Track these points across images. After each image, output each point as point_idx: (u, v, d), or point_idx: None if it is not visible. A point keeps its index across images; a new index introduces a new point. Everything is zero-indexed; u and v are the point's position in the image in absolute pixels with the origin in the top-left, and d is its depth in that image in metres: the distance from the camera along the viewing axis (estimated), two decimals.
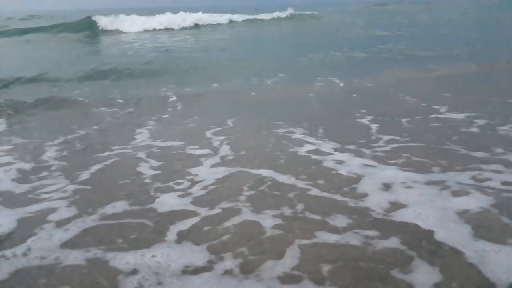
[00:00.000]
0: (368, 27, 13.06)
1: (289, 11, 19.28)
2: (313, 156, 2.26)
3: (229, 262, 1.21)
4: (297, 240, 1.34)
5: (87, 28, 13.27)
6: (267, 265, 1.19)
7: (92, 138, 2.88)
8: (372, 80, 4.84)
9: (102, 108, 3.77)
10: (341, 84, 4.66)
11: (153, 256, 1.23)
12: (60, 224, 1.55)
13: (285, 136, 2.71)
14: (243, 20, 17.12)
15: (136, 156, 2.42)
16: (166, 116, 3.46)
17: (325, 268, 1.16)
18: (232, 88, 4.77)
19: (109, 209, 1.69)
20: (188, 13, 15.44)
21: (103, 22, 13.76)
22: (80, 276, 1.17)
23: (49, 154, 2.49)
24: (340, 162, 2.13)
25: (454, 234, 1.33)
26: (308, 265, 1.19)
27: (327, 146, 2.45)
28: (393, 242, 1.31)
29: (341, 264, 1.19)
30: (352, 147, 2.42)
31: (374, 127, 2.89)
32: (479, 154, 2.19)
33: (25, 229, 1.53)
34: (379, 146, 2.44)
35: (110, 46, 10.27)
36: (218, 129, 2.94)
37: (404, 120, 3.05)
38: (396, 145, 2.44)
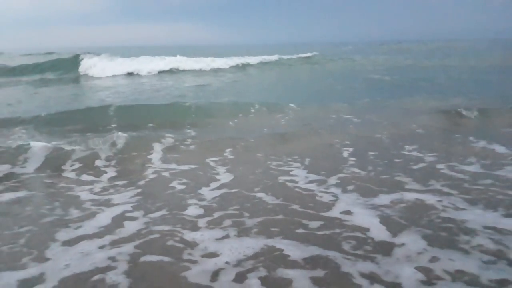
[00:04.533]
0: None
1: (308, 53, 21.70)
2: (292, 183, 3.42)
3: (234, 232, 2.38)
4: (278, 230, 2.47)
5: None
6: (258, 228, 2.35)
7: (130, 163, 4.09)
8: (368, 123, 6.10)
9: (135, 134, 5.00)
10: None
11: (201, 234, 2.39)
12: (136, 217, 2.70)
13: (277, 168, 3.89)
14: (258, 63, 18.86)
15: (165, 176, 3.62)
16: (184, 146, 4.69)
17: (300, 231, 2.28)
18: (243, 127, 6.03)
19: (159, 212, 2.83)
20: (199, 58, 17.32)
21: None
22: (166, 241, 2.31)
23: (108, 175, 3.68)
24: (313, 188, 3.27)
25: (378, 229, 2.45)
26: (285, 234, 2.31)
27: (306, 174, 3.61)
28: (342, 231, 2.43)
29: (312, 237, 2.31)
30: (325, 174, 3.57)
31: (352, 160, 4.07)
32: (414, 186, 3.30)
33: (117, 222, 2.68)
34: (347, 175, 3.58)
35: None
36: (220, 159, 4.14)
37: (372, 153, 4.24)
38: (358, 175, 3.59)
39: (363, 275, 1.95)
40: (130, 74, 14.70)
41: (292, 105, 7.02)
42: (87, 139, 4.76)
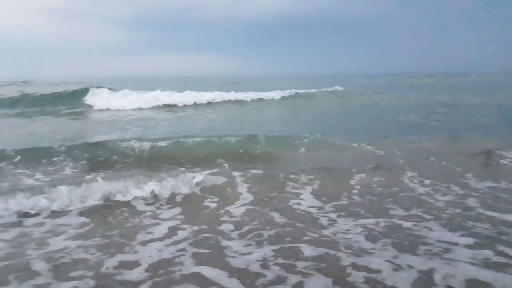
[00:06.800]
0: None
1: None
2: (298, 206, 4.55)
3: (258, 240, 3.50)
4: (284, 238, 3.58)
5: None
6: (275, 237, 3.48)
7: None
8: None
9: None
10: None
11: (234, 241, 3.54)
12: (185, 228, 3.85)
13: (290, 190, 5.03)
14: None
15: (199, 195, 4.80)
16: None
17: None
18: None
19: (201, 226, 3.98)
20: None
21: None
22: (211, 243, 3.46)
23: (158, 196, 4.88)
24: (313, 211, 4.40)
25: (362, 240, 3.55)
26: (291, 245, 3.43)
27: (311, 199, 4.73)
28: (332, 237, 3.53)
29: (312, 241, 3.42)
30: (327, 200, 4.68)
31: (357, 187, 5.18)
32: (397, 212, 4.39)
33: (172, 230, 3.83)
34: (344, 202, 4.69)
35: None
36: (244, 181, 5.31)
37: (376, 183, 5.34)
38: (354, 201, 4.69)
39: (353, 264, 3.08)
40: (153, 107, 16.22)
41: (318, 136, 8.27)
42: (129, 168, 6.01)
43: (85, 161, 6.50)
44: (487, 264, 3.05)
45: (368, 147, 7.64)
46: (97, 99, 16.50)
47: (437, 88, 30.39)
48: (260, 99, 18.98)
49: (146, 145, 7.27)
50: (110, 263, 3.05)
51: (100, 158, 6.77)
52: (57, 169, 6.11)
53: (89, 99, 16.62)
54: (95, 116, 14.17)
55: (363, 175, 5.69)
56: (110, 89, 18.21)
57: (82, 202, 4.28)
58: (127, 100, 16.44)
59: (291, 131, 8.77)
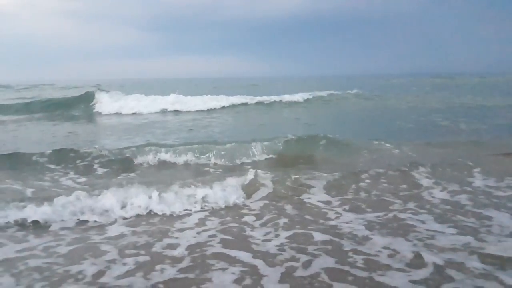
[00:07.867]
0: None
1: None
2: (308, 200, 5.28)
3: (276, 228, 4.28)
4: (297, 226, 4.33)
5: None
6: (289, 224, 4.24)
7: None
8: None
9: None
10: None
11: (257, 230, 4.32)
12: (213, 220, 4.65)
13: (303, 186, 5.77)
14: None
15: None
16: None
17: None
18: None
19: (225, 217, 4.77)
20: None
21: None
22: (235, 231, 4.24)
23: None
24: (321, 206, 5.13)
25: (362, 229, 4.27)
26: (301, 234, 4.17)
27: (322, 194, 5.46)
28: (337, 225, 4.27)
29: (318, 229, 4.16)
30: (335, 195, 5.40)
31: (365, 182, 5.87)
32: (396, 206, 5.07)
33: (202, 220, 4.63)
34: (356, 197, 5.40)
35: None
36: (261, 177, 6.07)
37: (385, 179, 6.02)
38: (359, 197, 5.40)
39: (354, 249, 3.79)
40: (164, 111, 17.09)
41: (340, 136, 8.88)
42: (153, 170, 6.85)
43: (111, 165, 7.19)
44: (464, 248, 3.74)
45: (387, 145, 8.26)
46: (112, 102, 17.54)
47: (462, 89, 30.32)
48: (283, 102, 19.64)
49: (167, 150, 7.72)
50: (157, 244, 3.89)
51: (125, 162, 7.40)
52: (88, 169, 6.95)
53: (102, 102, 17.66)
54: (111, 120, 15.10)
55: (374, 173, 6.29)
56: (124, 93, 19.14)
57: (124, 206, 4.92)
58: (143, 104, 17.42)
59: (317, 132, 9.36)
